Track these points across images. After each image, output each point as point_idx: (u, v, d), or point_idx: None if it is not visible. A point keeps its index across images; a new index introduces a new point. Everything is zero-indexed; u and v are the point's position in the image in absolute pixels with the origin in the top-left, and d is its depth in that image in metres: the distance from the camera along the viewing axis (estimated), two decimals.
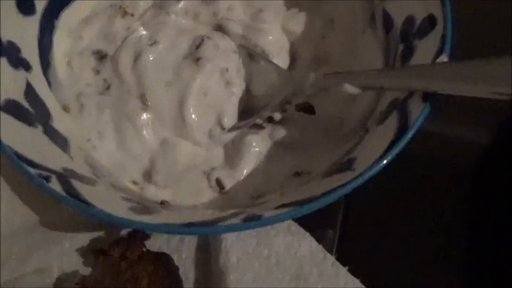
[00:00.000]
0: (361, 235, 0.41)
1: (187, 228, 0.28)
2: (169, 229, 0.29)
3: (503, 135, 1.15)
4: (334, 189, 0.27)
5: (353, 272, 0.38)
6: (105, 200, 0.30)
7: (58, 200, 0.34)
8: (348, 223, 0.42)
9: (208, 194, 0.35)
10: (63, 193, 0.29)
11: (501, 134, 1.16)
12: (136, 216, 0.29)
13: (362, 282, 0.37)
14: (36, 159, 0.30)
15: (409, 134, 0.28)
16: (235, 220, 0.28)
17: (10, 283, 0.37)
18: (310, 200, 0.27)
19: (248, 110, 0.38)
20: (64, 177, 0.30)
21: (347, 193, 0.27)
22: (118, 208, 0.30)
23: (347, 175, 0.28)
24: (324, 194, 0.27)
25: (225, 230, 0.28)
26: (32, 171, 0.29)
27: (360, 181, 0.27)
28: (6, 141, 0.30)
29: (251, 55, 0.39)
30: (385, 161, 0.28)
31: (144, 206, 0.31)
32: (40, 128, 0.33)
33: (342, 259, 0.38)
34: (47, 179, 0.29)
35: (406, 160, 0.40)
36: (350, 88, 0.31)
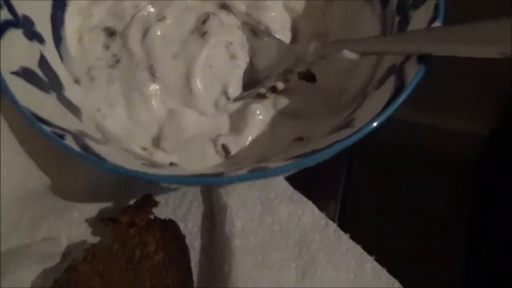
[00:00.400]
0: (362, 205, 0.43)
1: (197, 178, 0.30)
2: (180, 179, 0.30)
3: (503, 127, 1.17)
4: (335, 142, 0.29)
5: (354, 239, 0.39)
6: (118, 157, 0.32)
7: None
8: (349, 194, 0.44)
9: (214, 159, 0.37)
10: (79, 149, 0.30)
11: (500, 126, 1.18)
12: (148, 169, 0.31)
13: (363, 248, 0.39)
14: (51, 119, 0.32)
15: (406, 92, 0.30)
16: (241, 172, 0.29)
17: (20, 249, 0.39)
18: (313, 152, 0.29)
19: (252, 82, 0.39)
20: (78, 136, 0.31)
21: (347, 146, 0.29)
22: (131, 164, 0.31)
23: (347, 131, 0.30)
24: (326, 147, 0.29)
25: (233, 180, 0.30)
26: (48, 129, 0.30)
27: (359, 135, 0.29)
28: (22, 102, 0.32)
29: (255, 31, 0.40)
30: (383, 117, 0.29)
31: (155, 164, 0.33)
32: (53, 95, 0.35)
33: (343, 227, 0.40)
34: (62, 137, 0.30)
35: (407, 152, 0.41)
36: (349, 54, 0.33)
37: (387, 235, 0.42)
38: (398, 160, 0.44)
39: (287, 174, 0.35)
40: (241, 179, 0.29)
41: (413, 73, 0.30)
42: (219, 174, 0.30)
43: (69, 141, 0.30)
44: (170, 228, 0.39)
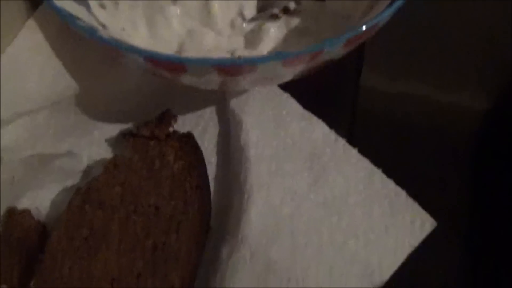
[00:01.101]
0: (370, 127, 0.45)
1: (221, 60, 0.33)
2: (207, 61, 0.32)
3: (504, 101, 1.19)
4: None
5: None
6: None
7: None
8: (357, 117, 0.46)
9: None
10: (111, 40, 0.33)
11: (501, 100, 1.20)
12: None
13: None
14: (83, 19, 0.34)
15: None
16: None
17: (44, 161, 0.41)
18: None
19: (266, 6, 0.42)
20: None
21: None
22: None
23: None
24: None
25: (254, 61, 0.32)
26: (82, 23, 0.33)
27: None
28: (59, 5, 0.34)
29: None
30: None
31: None
32: (84, 8, 0.37)
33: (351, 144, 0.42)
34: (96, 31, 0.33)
35: (408, 127, 0.43)
36: None
37: (394, 157, 0.44)
38: (398, 133, 0.46)
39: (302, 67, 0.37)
40: (262, 60, 0.31)
41: None
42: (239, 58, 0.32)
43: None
44: (188, 140, 0.41)
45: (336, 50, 0.33)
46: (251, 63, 0.32)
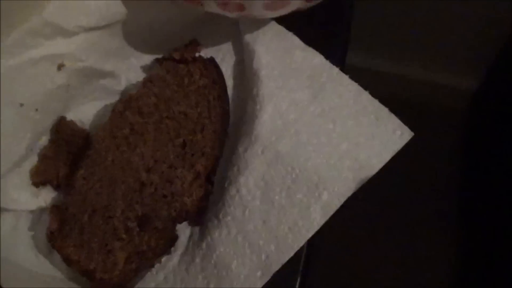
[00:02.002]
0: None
1: None
2: None
3: (490, 81, 1.28)
4: None
5: None
6: None
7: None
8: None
9: None
10: None
11: (488, 80, 1.29)
12: None
13: None
14: None
15: None
16: None
17: (93, 72, 0.50)
18: None
19: None
20: None
21: None
22: None
23: None
24: None
25: None
26: None
27: None
28: None
29: None
30: None
31: None
32: None
33: None
34: None
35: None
36: None
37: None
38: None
39: None
40: None
41: None
42: None
43: None
44: (211, 63, 0.50)
45: None
46: None
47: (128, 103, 0.47)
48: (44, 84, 0.46)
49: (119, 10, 0.47)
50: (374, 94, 0.48)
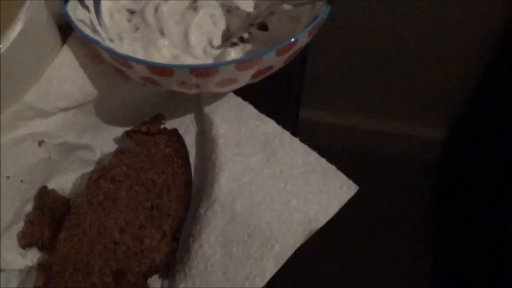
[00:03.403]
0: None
1: (198, 66, 0.50)
2: (188, 66, 0.49)
3: (459, 130, 1.34)
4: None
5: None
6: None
7: (113, 86, 0.56)
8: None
9: None
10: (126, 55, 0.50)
11: (456, 130, 1.34)
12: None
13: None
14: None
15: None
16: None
17: (71, 146, 0.57)
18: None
19: (227, 38, 0.60)
20: None
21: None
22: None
23: None
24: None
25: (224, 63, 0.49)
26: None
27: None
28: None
29: (229, 9, 0.62)
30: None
31: None
32: (99, 38, 0.56)
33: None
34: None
35: (369, 159, 0.57)
36: (286, 7, 0.54)
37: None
38: (359, 166, 0.57)
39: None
40: (222, 64, 0.48)
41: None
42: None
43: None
44: (174, 134, 0.58)
45: (270, 57, 0.51)
46: (215, 66, 0.49)
47: (102, 173, 0.54)
48: (27, 158, 0.53)
49: (91, 91, 0.55)
50: (332, 146, 0.56)
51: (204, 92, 0.54)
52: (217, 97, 0.57)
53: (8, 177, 0.51)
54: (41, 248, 0.54)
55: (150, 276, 0.51)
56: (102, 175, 0.54)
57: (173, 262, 0.51)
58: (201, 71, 0.48)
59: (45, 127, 0.55)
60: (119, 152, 0.55)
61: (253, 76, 0.51)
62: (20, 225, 0.54)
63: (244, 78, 0.50)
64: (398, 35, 1.13)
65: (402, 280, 1.22)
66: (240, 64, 0.47)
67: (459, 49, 1.13)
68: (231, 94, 0.57)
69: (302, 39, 0.49)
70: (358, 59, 1.20)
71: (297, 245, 0.50)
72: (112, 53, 0.49)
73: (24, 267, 0.54)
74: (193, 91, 0.53)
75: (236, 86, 0.52)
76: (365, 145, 1.21)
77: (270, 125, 0.56)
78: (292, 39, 0.48)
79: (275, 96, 0.61)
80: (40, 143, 0.54)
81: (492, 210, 1.04)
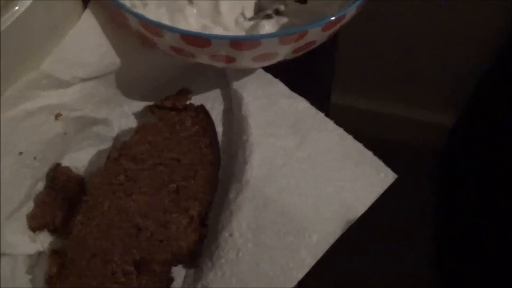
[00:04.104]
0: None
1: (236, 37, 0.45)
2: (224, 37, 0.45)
3: (467, 117, 1.33)
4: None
5: None
6: None
7: (136, 55, 0.51)
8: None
9: None
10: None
11: (464, 116, 1.34)
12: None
13: None
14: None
15: None
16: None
17: (88, 120, 0.52)
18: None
19: (261, 8, 0.56)
20: None
21: None
22: None
23: None
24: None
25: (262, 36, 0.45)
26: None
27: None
28: None
29: None
30: None
31: None
32: None
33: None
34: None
35: (377, 144, 0.54)
36: None
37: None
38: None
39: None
40: (265, 36, 0.44)
41: None
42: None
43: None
44: (201, 110, 0.54)
45: (315, 32, 0.46)
46: (257, 39, 0.45)
47: (122, 150, 0.50)
48: (42, 133, 0.48)
49: (112, 61, 0.50)
50: (357, 132, 0.52)
51: (236, 67, 0.50)
52: (245, 72, 0.53)
53: (20, 153, 0.47)
54: (53, 232, 0.50)
55: (176, 265, 0.47)
56: (122, 153, 0.49)
57: (200, 251, 0.47)
58: (241, 43, 0.43)
59: (62, 98, 0.50)
60: (141, 128, 0.50)
61: (293, 52, 0.47)
62: (29, 206, 0.50)
63: (284, 53, 0.46)
64: (418, 22, 1.14)
65: (408, 266, 1.20)
66: (284, 37, 0.43)
67: (471, 37, 1.13)
68: (261, 70, 0.53)
69: (350, 14, 0.45)
70: (381, 43, 1.19)
71: (335, 236, 0.47)
72: (142, 19, 0.44)
73: (34, 252, 0.49)
74: (225, 65, 0.48)
75: (273, 61, 0.48)
76: (370, 129, 1.19)
77: (302, 105, 0.52)
78: (341, 13, 0.44)
79: (306, 76, 0.57)
80: (57, 116, 0.49)
81: (501, 197, 1.02)
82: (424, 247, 1.27)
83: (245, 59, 0.47)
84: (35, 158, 0.47)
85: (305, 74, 0.55)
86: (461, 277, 1.18)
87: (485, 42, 1.14)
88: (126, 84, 0.52)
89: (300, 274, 0.45)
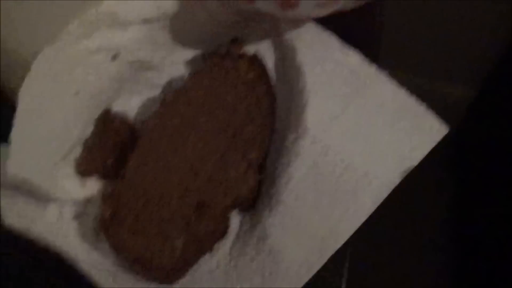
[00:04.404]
0: None
1: None
2: None
3: (486, 90, 1.33)
4: None
5: None
6: None
7: None
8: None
9: None
10: None
11: (484, 89, 1.34)
12: None
13: None
14: None
15: None
16: None
17: (142, 65, 0.51)
18: None
19: None
20: None
21: None
22: None
23: None
24: None
25: None
26: None
27: None
28: None
29: None
30: None
31: None
32: None
33: None
34: None
35: None
36: None
37: None
38: None
39: None
40: None
41: None
42: None
43: None
44: (256, 59, 0.53)
45: None
46: None
47: (177, 94, 0.49)
48: (99, 73, 0.47)
49: (171, 5, 0.49)
50: None
51: (295, 15, 0.49)
52: (298, 24, 0.52)
53: (76, 93, 0.45)
54: (103, 176, 0.49)
55: (234, 209, 0.46)
56: (178, 97, 0.48)
57: (259, 195, 0.46)
58: None
59: (121, 39, 0.48)
60: (195, 75, 0.50)
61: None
62: (78, 150, 0.48)
63: None
64: None
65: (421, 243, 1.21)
66: None
67: (494, 9, 1.14)
68: (313, 23, 0.52)
69: None
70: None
71: (394, 184, 0.47)
72: None
73: (82, 198, 0.48)
74: (283, 13, 0.47)
75: (335, 7, 0.48)
76: None
77: (356, 57, 0.52)
78: None
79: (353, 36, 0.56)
80: (115, 56, 0.48)
81: None
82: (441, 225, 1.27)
83: (308, 4, 0.46)
84: (89, 99, 0.46)
85: (353, 32, 0.55)
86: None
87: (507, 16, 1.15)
88: (181, 31, 0.51)
89: (361, 219, 0.45)
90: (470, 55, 1.28)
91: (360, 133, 0.48)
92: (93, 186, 0.48)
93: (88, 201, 0.48)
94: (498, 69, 1.23)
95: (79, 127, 0.47)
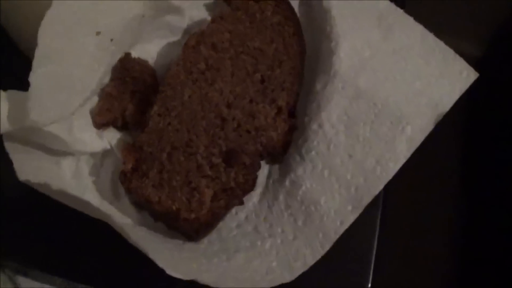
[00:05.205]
0: None
1: None
2: None
3: (497, 47, 1.31)
4: None
5: None
6: None
7: None
8: None
9: None
10: None
11: (494, 46, 1.31)
12: None
13: None
14: None
15: None
16: None
17: (164, 6, 0.47)
18: None
19: None
20: None
21: None
22: None
23: None
24: None
25: None
26: None
27: None
28: None
29: None
30: None
31: None
32: None
33: None
34: None
35: None
36: None
37: None
38: None
39: None
40: None
41: None
42: None
43: None
44: (282, 0, 0.51)
45: None
46: None
47: (201, 38, 0.46)
48: (122, 12, 0.44)
49: None
50: None
51: None
52: None
53: (98, 33, 0.42)
54: (121, 128, 0.46)
55: (263, 159, 0.44)
56: (201, 41, 0.46)
57: (290, 142, 0.44)
58: None
59: None
60: (218, 17, 0.47)
61: None
62: (95, 101, 0.45)
63: None
64: None
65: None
66: None
67: None
68: None
69: None
70: None
71: (428, 129, 0.45)
72: None
73: (100, 150, 0.45)
74: None
75: None
76: None
77: (383, 1, 0.50)
78: None
79: None
80: None
81: None
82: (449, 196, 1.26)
83: None
84: (111, 40, 0.43)
85: None
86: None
87: None
88: None
89: (397, 166, 0.43)
90: (475, 11, 1.25)
91: (391, 78, 0.46)
92: (110, 138, 0.46)
93: (105, 154, 0.45)
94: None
95: (99, 72, 0.44)
